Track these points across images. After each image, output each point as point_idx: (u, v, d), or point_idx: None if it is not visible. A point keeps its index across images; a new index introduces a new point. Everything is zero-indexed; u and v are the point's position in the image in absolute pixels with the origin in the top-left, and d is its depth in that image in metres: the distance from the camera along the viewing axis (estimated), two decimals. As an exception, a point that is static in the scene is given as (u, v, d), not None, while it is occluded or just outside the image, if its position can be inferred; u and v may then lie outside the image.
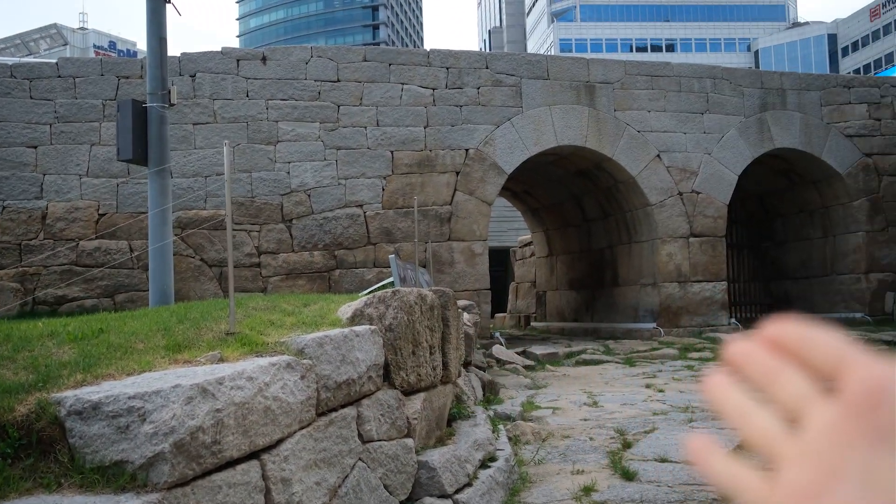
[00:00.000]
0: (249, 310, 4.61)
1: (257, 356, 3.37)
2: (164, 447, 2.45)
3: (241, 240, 12.76)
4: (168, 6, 7.83)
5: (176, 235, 12.32)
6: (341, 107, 13.39)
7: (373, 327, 4.11)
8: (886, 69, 74.45)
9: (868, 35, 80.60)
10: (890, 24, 77.07)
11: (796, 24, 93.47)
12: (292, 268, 12.89)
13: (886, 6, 77.74)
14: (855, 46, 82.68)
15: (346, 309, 4.35)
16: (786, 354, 0.43)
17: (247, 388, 2.91)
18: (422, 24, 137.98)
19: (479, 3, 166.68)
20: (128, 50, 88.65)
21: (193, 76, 12.93)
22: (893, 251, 15.86)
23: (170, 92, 7.68)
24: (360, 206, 13.28)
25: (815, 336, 0.42)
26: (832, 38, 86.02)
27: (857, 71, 79.78)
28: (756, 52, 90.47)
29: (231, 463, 2.79)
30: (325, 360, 3.58)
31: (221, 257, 12.48)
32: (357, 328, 3.99)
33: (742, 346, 0.45)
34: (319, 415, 3.51)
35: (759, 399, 0.44)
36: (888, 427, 0.38)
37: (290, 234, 12.99)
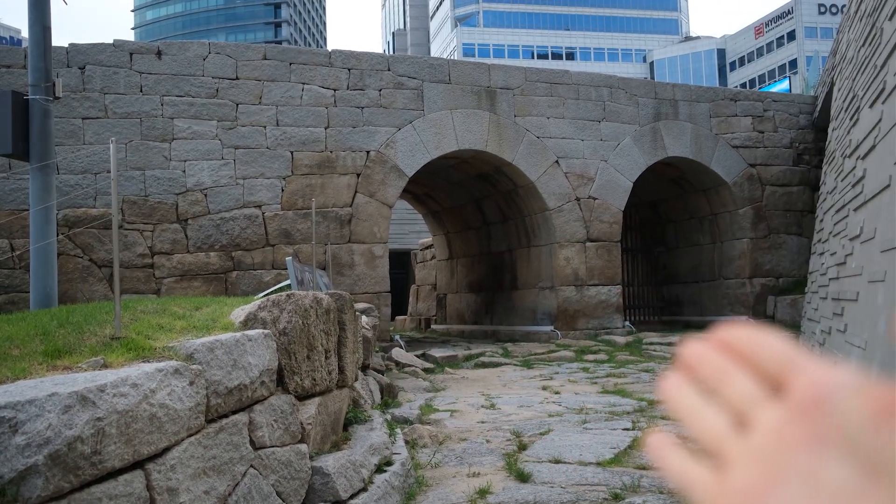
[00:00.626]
0: (138, 313, 4.44)
1: (144, 362, 3.25)
2: (37, 459, 2.32)
3: (133, 239, 12.30)
4: (54, -6, 7.48)
5: (63, 234, 11.78)
6: (240, 105, 13.10)
7: (266, 331, 4.03)
8: (769, 84, 78.42)
9: (753, 51, 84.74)
10: (773, 41, 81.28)
11: (688, 38, 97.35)
12: (187, 269, 12.51)
13: (769, 25, 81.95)
14: (742, 62, 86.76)
15: (240, 312, 4.25)
16: (736, 357, 0.44)
17: (131, 396, 2.80)
18: (325, 23, 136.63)
19: (384, 6, 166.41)
20: (11, 37, 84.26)
21: (83, 68, 12.38)
22: (775, 257, 16.69)
23: (54, 84, 7.32)
24: (259, 206, 13.02)
25: (765, 340, 0.43)
26: (721, 53, 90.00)
27: (743, 85, 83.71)
28: (651, 64, 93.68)
29: (113, 474, 2.67)
30: (215, 365, 3.48)
31: (112, 257, 11.98)
32: (250, 332, 3.89)
33: (695, 348, 0.46)
34: (209, 421, 3.40)
35: (711, 400, 0.45)
36: (833, 432, 0.38)
37: (186, 235, 12.61)
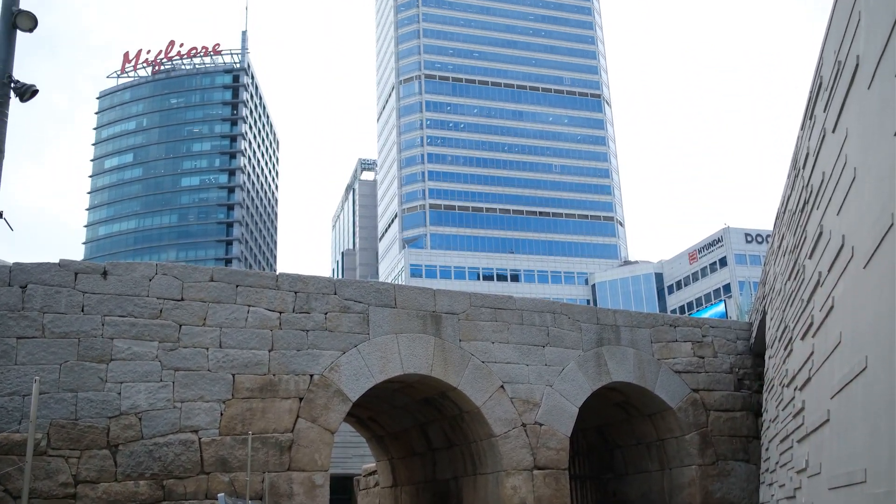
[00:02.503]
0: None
1: None
2: None
3: (56, 467, 11.58)
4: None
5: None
6: (183, 326, 12.97)
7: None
8: (706, 307, 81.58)
9: (689, 276, 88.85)
10: (706, 267, 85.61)
11: (627, 262, 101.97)
12: (113, 499, 11.72)
13: (702, 252, 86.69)
14: (679, 285, 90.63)
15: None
16: None
17: None
18: (276, 242, 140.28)
19: (334, 226, 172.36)
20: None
21: (24, 287, 12.25)
22: (724, 485, 16.41)
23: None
24: (196, 431, 12.52)
25: None
26: (659, 277, 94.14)
27: (682, 308, 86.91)
28: (593, 286, 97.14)
29: None
30: None
31: (33, 486, 11.20)
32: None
33: None
34: None
35: None
36: None
37: (115, 461, 11.94)
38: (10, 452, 11.11)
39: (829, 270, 7.15)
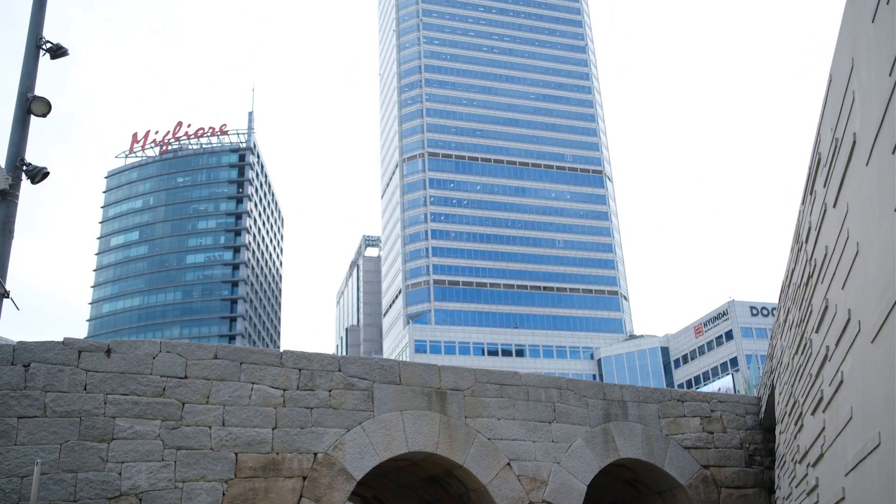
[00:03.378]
0: None
1: None
2: None
3: (52, 551, 11.32)
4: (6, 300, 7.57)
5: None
6: (186, 404, 12.85)
7: None
8: (714, 380, 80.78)
9: (695, 350, 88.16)
10: (712, 341, 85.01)
11: (632, 337, 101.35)
12: (110, 584, 11.43)
13: (707, 325, 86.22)
14: (685, 359, 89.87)
15: None
16: None
17: None
18: (280, 318, 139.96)
19: (338, 302, 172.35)
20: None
21: (27, 366, 12.19)
22: (738, 566, 15.94)
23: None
24: (196, 512, 12.26)
25: None
26: (665, 351, 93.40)
27: (688, 382, 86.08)
28: (599, 361, 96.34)
29: None
30: None
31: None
32: None
33: None
34: None
35: None
36: None
37: (113, 545, 11.68)
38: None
39: (836, 345, 7.12)
